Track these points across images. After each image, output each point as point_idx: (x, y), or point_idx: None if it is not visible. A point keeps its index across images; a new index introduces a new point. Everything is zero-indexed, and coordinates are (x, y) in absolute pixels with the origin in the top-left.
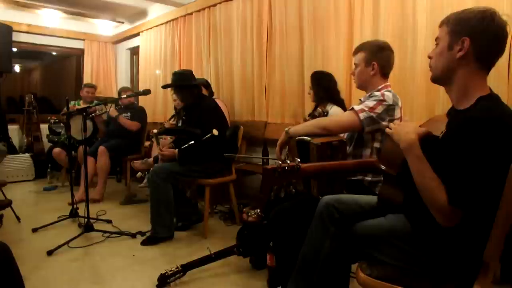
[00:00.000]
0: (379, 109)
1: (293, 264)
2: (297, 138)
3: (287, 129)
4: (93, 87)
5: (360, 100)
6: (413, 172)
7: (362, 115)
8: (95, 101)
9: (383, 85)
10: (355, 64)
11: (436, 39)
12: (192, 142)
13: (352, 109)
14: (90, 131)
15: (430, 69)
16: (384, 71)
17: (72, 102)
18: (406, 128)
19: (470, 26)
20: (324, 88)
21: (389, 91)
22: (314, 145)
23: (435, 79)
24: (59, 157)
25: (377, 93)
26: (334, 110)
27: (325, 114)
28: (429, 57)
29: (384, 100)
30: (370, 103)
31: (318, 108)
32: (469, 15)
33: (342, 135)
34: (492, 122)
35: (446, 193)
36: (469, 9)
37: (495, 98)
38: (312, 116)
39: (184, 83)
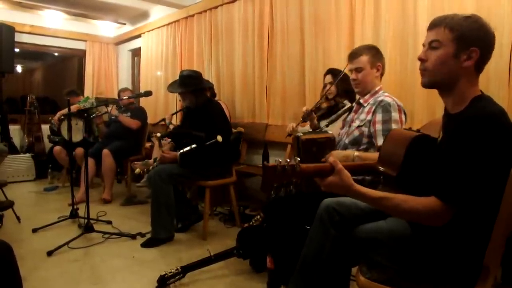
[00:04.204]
0: (403, 117)
1: (291, 265)
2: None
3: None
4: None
5: (359, 102)
6: (384, 210)
7: None
8: (90, 101)
9: (380, 86)
10: (358, 68)
11: (433, 41)
12: (194, 146)
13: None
14: (81, 134)
15: (423, 72)
16: (384, 72)
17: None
18: (335, 189)
19: (479, 37)
20: (346, 82)
21: (386, 92)
22: (300, 140)
23: (432, 84)
24: (60, 156)
25: (389, 100)
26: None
27: (338, 106)
28: (421, 60)
29: (400, 107)
30: (396, 115)
31: (324, 103)
32: (474, 25)
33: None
34: (488, 120)
35: (437, 192)
36: (470, 18)
37: (487, 98)
38: (318, 109)
39: (197, 87)
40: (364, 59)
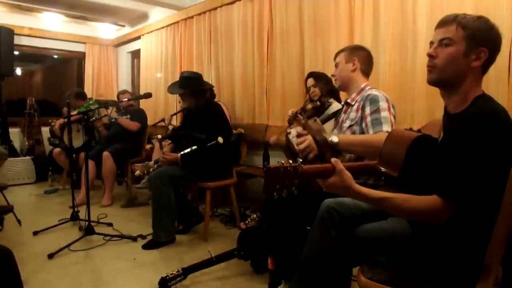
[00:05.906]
0: (391, 108)
1: (292, 266)
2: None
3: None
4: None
5: (347, 102)
6: (385, 210)
7: (392, 120)
8: (89, 103)
9: (365, 83)
10: (336, 64)
11: (444, 39)
12: (195, 147)
13: (392, 124)
14: (82, 140)
15: (431, 69)
16: (364, 68)
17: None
18: (336, 189)
19: (490, 38)
20: (329, 83)
21: (373, 88)
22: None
23: (439, 81)
24: (59, 158)
25: (376, 93)
26: (335, 105)
27: (325, 106)
28: (430, 56)
29: (387, 98)
30: (384, 104)
31: (309, 105)
32: (485, 26)
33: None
34: (490, 118)
35: (438, 190)
36: (481, 18)
37: (489, 97)
38: (304, 110)
39: (197, 89)
40: (341, 55)
